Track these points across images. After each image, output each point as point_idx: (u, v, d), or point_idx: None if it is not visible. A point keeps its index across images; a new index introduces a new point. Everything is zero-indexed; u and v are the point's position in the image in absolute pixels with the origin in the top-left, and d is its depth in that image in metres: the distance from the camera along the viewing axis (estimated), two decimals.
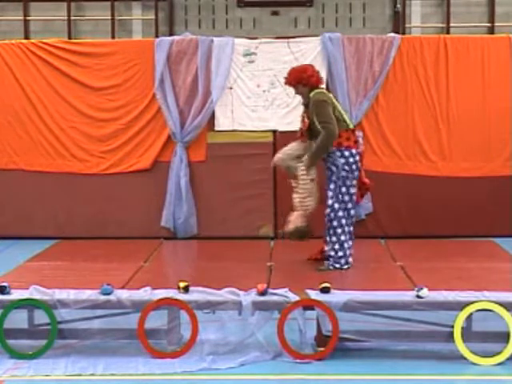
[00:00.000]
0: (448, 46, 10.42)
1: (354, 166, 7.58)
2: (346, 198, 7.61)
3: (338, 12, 13.48)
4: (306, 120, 7.74)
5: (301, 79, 7.68)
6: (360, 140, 7.70)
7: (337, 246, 7.61)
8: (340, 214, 7.59)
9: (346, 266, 7.63)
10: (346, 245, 7.62)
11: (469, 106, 10.43)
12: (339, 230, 7.60)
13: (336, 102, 7.83)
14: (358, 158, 7.59)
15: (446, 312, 6.08)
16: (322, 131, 7.48)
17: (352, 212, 7.69)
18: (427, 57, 10.43)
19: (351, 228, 7.70)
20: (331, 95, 7.91)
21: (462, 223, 10.33)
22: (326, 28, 12.93)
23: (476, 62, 10.42)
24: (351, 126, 7.71)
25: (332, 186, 7.58)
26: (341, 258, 7.61)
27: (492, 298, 6.04)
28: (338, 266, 7.61)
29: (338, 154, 7.53)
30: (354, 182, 7.64)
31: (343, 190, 7.57)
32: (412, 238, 9.75)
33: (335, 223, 7.60)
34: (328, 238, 7.65)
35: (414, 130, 10.45)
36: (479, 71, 10.42)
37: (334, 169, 7.56)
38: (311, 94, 7.63)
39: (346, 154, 7.53)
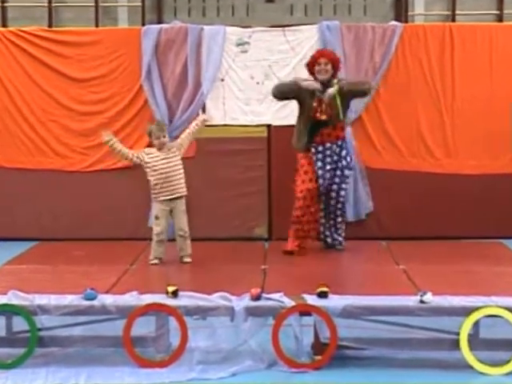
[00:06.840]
0: (454, 34, 10.43)
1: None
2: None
3: None
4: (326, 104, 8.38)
5: (337, 61, 8.60)
6: None
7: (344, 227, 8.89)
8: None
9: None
10: None
11: (475, 99, 10.43)
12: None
13: None
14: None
15: (452, 318, 6.09)
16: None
17: None
18: (431, 46, 10.43)
19: None
20: None
21: (468, 224, 10.34)
22: (323, 16, 12.94)
23: (483, 51, 10.43)
24: None
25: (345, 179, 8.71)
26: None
27: (500, 303, 6.05)
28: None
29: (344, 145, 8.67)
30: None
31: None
32: (415, 239, 9.75)
33: (344, 208, 8.84)
34: (339, 225, 8.82)
35: (418, 124, 10.46)
36: (487, 61, 10.43)
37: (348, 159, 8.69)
38: (335, 81, 8.44)
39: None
